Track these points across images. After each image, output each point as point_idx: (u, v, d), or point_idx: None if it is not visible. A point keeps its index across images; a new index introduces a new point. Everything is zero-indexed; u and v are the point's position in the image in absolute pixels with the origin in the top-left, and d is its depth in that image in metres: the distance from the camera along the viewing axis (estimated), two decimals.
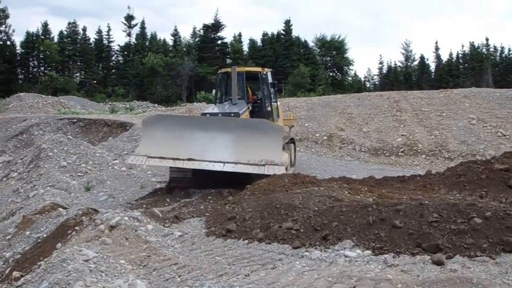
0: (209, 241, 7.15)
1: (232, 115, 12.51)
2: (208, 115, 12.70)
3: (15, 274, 6.96)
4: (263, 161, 11.00)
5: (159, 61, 59.02)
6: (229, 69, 14.16)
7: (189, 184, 12.24)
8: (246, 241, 6.78)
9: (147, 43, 69.28)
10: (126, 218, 7.56)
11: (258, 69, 14.91)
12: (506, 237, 5.19)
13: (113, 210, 8.84)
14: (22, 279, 6.22)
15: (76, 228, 8.07)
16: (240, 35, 73.49)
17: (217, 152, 11.20)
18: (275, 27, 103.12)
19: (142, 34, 69.70)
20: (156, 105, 46.13)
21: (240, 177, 11.12)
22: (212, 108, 13.42)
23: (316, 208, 6.97)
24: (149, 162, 11.53)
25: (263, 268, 5.57)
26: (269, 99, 14.31)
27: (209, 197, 10.85)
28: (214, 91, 15.58)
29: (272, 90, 14.61)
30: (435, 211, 5.80)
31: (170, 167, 12.43)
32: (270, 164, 10.98)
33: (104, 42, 68.90)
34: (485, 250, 5.13)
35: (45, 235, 8.77)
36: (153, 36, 70.34)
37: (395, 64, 78.16)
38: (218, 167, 11.12)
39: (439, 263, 4.99)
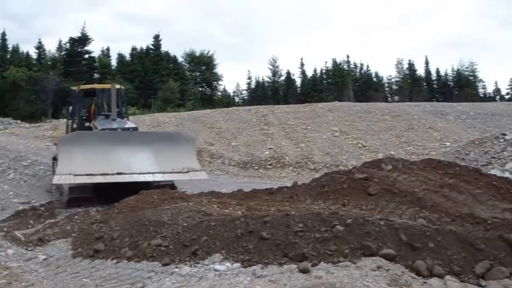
0: (76, 262, 6.88)
1: (131, 129, 13.03)
2: (108, 130, 12.77)
3: None
4: (185, 169, 11.96)
5: (21, 75, 55.87)
6: (87, 86, 15.13)
7: (89, 194, 12.15)
8: (115, 260, 6.60)
9: (8, 56, 65.48)
10: None
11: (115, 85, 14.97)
12: (365, 242, 5.48)
13: None
14: None
15: None
16: (108, 49, 72.29)
17: (141, 165, 11.65)
18: (144, 42, 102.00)
19: (3, 47, 65.74)
20: (19, 121, 43.73)
21: (141, 186, 11.18)
22: (110, 124, 13.33)
23: (185, 224, 6.95)
24: (77, 180, 11.19)
25: (132, 287, 5.46)
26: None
27: (76, 217, 10.47)
28: (70, 107, 15.47)
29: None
30: (300, 221, 5.99)
31: None
32: (192, 170, 12.07)
33: None
34: (347, 256, 5.38)
35: None
36: (15, 49, 66.64)
37: (263, 79, 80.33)
38: (149, 178, 11.65)
39: (305, 271, 5.16)
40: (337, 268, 5.16)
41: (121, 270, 6.22)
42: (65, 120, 16.45)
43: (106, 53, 71.13)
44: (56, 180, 11.38)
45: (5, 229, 10.13)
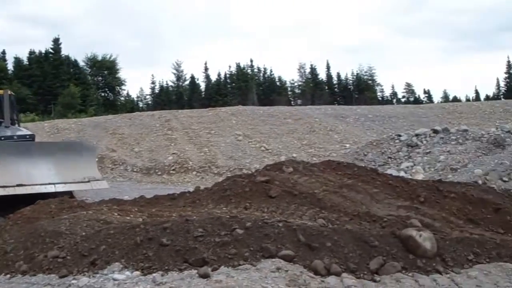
0: None
1: (28, 137, 12.95)
2: (2, 138, 12.49)
3: None
4: (86, 178, 12.02)
5: None
6: None
7: None
8: (8, 275, 6.26)
9: None
10: None
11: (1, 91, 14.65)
12: (264, 244, 5.54)
13: None
14: None
15: None
16: (4, 52, 69.07)
17: (42, 175, 11.51)
18: (43, 46, 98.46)
19: None
20: None
21: (40, 196, 10.68)
22: (4, 132, 12.98)
23: (84, 233, 6.72)
24: None
25: None
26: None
27: None
28: None
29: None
30: (200, 226, 5.97)
31: None
32: (93, 180, 12.20)
33: None
34: (247, 259, 5.41)
35: None
36: None
37: (167, 84, 79.68)
38: (50, 189, 11.43)
39: (205, 276, 5.13)
40: (237, 272, 5.18)
41: (15, 285, 5.90)
42: None
43: (1, 57, 67.95)
44: None
45: None
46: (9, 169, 11.43)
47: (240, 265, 5.32)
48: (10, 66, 67.19)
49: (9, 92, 14.13)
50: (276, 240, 5.62)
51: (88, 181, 12.16)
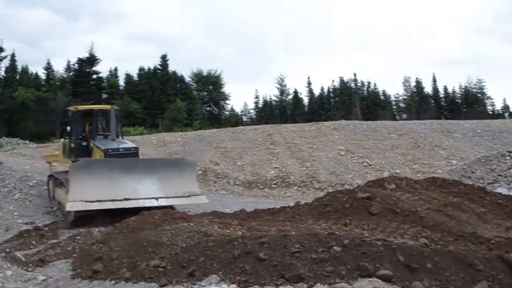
0: (74, 284, 6.87)
1: (132, 149, 13.78)
2: (110, 150, 13.39)
3: None
4: (187, 193, 12.72)
5: (30, 95, 56.26)
6: (84, 107, 16.34)
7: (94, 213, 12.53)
8: (113, 281, 6.57)
9: (17, 77, 65.76)
10: None
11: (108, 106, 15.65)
12: (362, 262, 5.42)
13: None
14: None
15: None
16: (116, 69, 72.40)
17: (147, 190, 12.41)
18: (152, 62, 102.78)
19: (12, 67, 65.90)
20: (27, 141, 44.01)
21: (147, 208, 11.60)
22: (111, 144, 13.87)
23: (184, 244, 6.92)
24: (88, 206, 11.77)
25: None
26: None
27: (78, 237, 10.43)
28: (68, 127, 15.91)
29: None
30: (297, 242, 5.95)
31: None
32: (194, 195, 12.89)
33: None
34: (344, 277, 5.32)
35: None
36: (24, 69, 66.65)
37: (270, 99, 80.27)
38: (154, 203, 12.25)
39: None
40: None
41: None
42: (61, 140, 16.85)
43: (114, 73, 71.40)
44: (69, 207, 11.88)
45: (7, 249, 10.14)
46: (117, 184, 12.33)
47: (336, 283, 5.25)
48: (121, 82, 70.93)
49: (115, 107, 14.92)
50: (375, 259, 5.49)
51: (189, 196, 12.84)
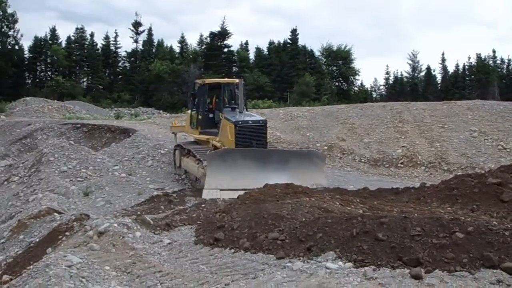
0: (196, 249, 7.17)
1: (261, 122, 14.30)
2: (240, 122, 13.81)
3: (5, 277, 7.04)
4: (314, 185, 12.53)
5: (165, 68, 59.14)
6: (212, 81, 17.15)
7: None
8: (232, 250, 6.81)
9: (153, 50, 69.19)
10: (115, 225, 7.62)
11: (236, 80, 16.23)
12: (486, 252, 5.19)
13: (104, 216, 8.89)
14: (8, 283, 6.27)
15: (67, 233, 8.15)
16: (246, 43, 73.82)
17: (277, 180, 12.12)
18: (282, 36, 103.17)
19: (149, 41, 69.45)
20: (161, 111, 46.28)
21: None
22: (240, 116, 14.32)
23: (304, 219, 6.98)
24: (223, 195, 12.23)
25: (244, 278, 5.59)
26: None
27: (203, 205, 10.86)
28: (196, 99, 16.48)
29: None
30: (418, 225, 5.80)
31: None
32: (320, 187, 12.71)
33: (111, 48, 68.47)
34: (465, 265, 5.12)
35: (37, 240, 8.84)
36: (160, 43, 70.12)
37: (402, 75, 77.79)
38: None
39: (417, 277, 4.99)
40: (452, 278, 4.94)
41: (237, 260, 6.39)
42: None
43: (244, 47, 72.78)
44: (205, 195, 12.38)
45: (138, 212, 10.82)
46: (250, 174, 12.68)
47: (456, 271, 5.07)
48: (251, 55, 72.18)
49: (242, 81, 15.25)
50: (500, 249, 5.23)
51: (316, 188, 12.57)
